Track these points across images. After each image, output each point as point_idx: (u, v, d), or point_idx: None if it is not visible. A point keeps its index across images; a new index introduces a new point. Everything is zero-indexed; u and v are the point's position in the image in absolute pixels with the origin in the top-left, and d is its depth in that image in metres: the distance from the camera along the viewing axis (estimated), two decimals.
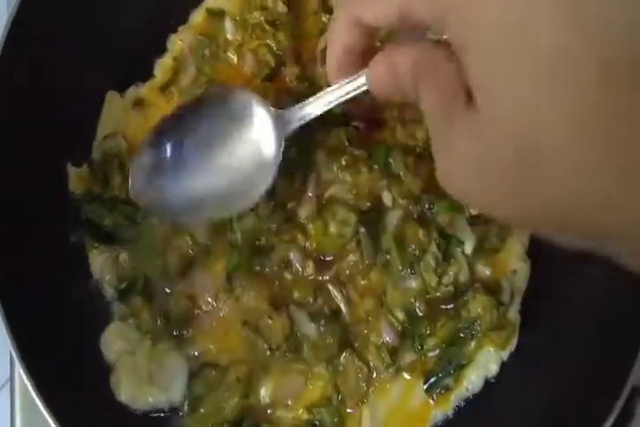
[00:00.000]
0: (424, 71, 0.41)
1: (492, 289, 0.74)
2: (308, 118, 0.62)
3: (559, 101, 0.34)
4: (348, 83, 0.54)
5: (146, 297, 0.73)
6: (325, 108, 0.60)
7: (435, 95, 0.40)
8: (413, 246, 0.73)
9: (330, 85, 0.57)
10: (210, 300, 0.73)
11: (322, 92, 0.59)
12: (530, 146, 0.35)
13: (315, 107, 0.60)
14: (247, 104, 0.65)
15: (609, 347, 0.69)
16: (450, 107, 0.39)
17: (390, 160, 0.74)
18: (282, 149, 0.65)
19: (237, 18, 0.80)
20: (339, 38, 0.49)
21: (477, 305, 0.72)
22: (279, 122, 0.64)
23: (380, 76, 0.45)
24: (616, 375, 0.65)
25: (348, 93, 0.55)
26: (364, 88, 0.52)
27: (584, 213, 0.36)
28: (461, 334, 0.73)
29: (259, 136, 0.65)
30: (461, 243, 0.74)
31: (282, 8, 0.79)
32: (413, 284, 0.73)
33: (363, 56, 0.50)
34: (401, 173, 0.73)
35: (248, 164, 0.65)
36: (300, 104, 0.62)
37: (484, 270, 0.75)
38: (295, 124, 0.63)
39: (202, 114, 0.66)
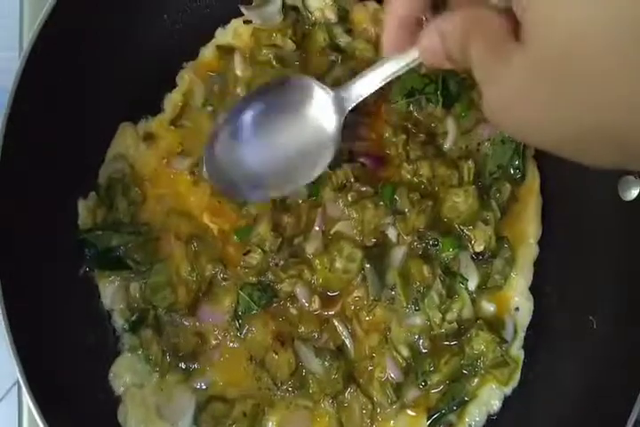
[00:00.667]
0: (471, 26, 0.44)
1: (495, 326, 0.75)
2: (365, 95, 0.64)
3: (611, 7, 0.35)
4: (400, 57, 0.55)
5: (155, 330, 0.74)
6: (380, 84, 0.61)
7: (484, 41, 0.43)
8: (418, 283, 0.74)
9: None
10: (218, 335, 0.74)
11: (376, 66, 0.60)
12: (580, 58, 0.37)
13: (370, 84, 0.61)
14: (306, 87, 0.68)
15: (610, 384, 0.69)
16: (499, 48, 0.42)
17: (396, 197, 0.76)
18: (341, 127, 0.67)
19: (247, 55, 0.82)
20: (395, 11, 0.51)
21: (480, 342, 0.73)
22: (338, 101, 0.65)
23: (432, 44, 0.47)
24: (616, 414, 0.65)
25: (401, 68, 0.56)
26: (417, 62, 0.54)
27: (630, 120, 0.37)
28: (464, 371, 0.74)
29: (319, 115, 0.67)
30: (465, 280, 0.75)
31: (291, 46, 0.81)
32: (417, 320, 0.74)
33: (415, 32, 0.51)
34: (406, 210, 0.75)
35: (310, 142, 0.69)
36: (356, 81, 0.63)
37: (488, 307, 0.77)
38: (353, 103, 0.65)
39: (267, 98, 0.70)
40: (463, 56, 0.45)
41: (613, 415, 0.64)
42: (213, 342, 0.74)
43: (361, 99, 0.64)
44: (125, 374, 0.74)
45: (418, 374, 0.73)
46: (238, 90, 0.80)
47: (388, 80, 0.59)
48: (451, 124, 0.79)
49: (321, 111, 0.67)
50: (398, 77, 0.60)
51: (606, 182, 0.70)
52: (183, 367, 0.74)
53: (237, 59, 0.81)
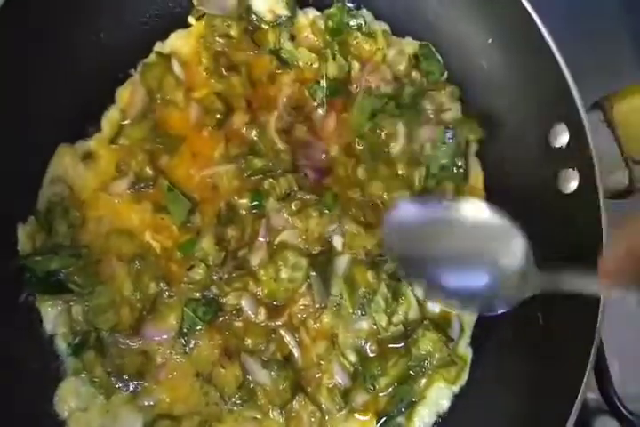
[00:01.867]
0: None
1: (442, 325, 0.75)
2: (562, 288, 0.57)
3: None
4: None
5: (98, 351, 0.72)
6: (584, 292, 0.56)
7: None
8: (363, 289, 0.74)
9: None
10: (164, 353, 0.73)
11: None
12: None
13: (579, 284, 0.56)
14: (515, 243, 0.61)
15: (556, 379, 0.69)
16: None
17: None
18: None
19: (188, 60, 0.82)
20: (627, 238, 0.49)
21: (427, 342, 0.73)
22: (531, 277, 0.59)
23: None
24: (560, 411, 0.65)
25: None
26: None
27: None
28: (412, 372, 0.74)
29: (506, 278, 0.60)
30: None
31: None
32: (364, 325, 0.74)
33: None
34: (354, 230, 0.75)
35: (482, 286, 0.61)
36: (566, 274, 0.58)
37: (433, 307, 0.77)
38: (540, 289, 0.59)
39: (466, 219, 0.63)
40: None
41: (557, 412, 0.65)
42: (159, 361, 0.73)
43: (552, 289, 0.58)
44: (70, 398, 0.72)
45: (366, 378, 0.72)
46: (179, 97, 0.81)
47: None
48: (401, 129, 0.80)
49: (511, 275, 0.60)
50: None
51: (546, 177, 0.71)
52: (129, 388, 0.72)
53: (175, 62, 0.82)
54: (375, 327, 0.74)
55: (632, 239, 0.48)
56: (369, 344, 0.74)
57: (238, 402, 0.71)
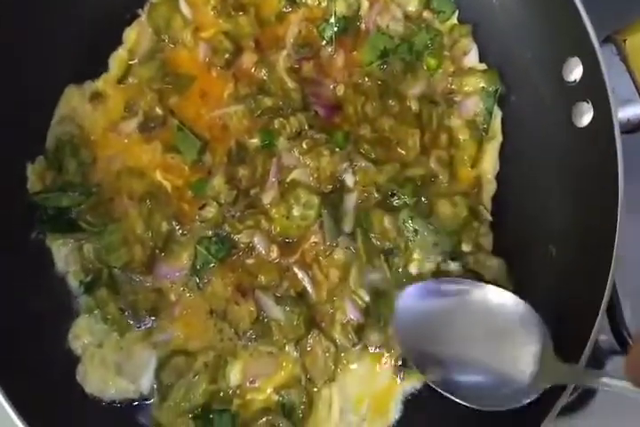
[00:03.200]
0: None
1: None
2: (579, 385, 0.58)
3: None
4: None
5: (111, 289, 0.72)
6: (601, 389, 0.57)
7: None
8: (378, 235, 0.73)
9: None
10: (177, 291, 0.73)
11: (611, 379, 0.55)
12: None
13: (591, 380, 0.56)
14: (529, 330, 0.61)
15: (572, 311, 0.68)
16: None
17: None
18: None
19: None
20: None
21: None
22: (552, 372, 0.58)
23: None
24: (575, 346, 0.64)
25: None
26: None
27: None
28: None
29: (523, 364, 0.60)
30: None
31: None
32: (377, 276, 0.73)
33: None
34: (363, 164, 0.74)
35: (499, 380, 0.61)
36: (586, 372, 0.58)
37: None
38: (558, 382, 0.58)
39: (482, 306, 0.64)
40: None
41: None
42: (173, 298, 0.73)
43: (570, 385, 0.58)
44: (84, 334, 0.72)
45: (379, 317, 0.71)
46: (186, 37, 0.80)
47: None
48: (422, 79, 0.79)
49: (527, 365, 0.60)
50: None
51: (561, 111, 0.70)
52: (143, 325, 0.72)
53: (182, 2, 0.80)
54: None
55: None
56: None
57: (253, 337, 0.71)
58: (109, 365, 0.71)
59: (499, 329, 0.62)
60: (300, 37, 0.80)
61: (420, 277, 0.72)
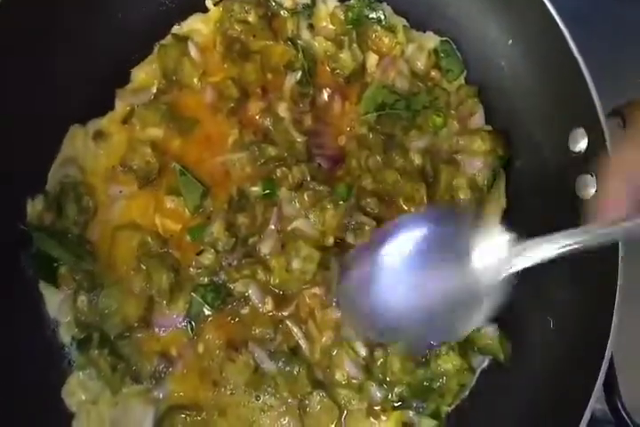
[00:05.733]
0: None
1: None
2: (545, 258, 0.54)
3: None
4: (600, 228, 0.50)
5: (105, 347, 0.71)
6: (560, 251, 0.52)
7: None
8: None
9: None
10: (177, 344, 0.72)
11: (565, 232, 0.53)
12: None
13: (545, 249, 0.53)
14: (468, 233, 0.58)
15: (566, 388, 0.68)
16: None
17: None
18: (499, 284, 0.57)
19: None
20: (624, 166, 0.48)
21: (449, 363, 0.71)
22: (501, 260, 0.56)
23: None
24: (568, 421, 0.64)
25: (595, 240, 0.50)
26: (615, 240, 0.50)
27: None
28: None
29: (475, 265, 0.57)
30: None
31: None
32: None
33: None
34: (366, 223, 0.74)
35: (458, 292, 0.59)
36: (532, 242, 0.55)
37: None
38: (524, 263, 0.55)
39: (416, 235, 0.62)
40: None
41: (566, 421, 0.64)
42: (174, 354, 0.72)
43: (535, 262, 0.55)
44: (78, 391, 0.71)
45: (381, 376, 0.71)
46: (195, 80, 0.80)
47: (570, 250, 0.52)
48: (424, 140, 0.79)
49: (479, 261, 0.57)
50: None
51: (565, 182, 0.70)
52: (142, 386, 0.72)
53: (192, 45, 0.81)
54: None
55: (631, 167, 0.46)
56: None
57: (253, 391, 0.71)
58: (105, 420, 0.70)
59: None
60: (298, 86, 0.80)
61: None
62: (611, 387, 0.72)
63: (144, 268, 0.73)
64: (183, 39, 0.82)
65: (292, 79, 0.81)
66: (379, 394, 0.71)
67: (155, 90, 0.80)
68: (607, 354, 0.61)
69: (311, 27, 0.85)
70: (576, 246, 0.52)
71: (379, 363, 0.71)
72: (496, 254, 0.57)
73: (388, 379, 0.71)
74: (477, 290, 0.58)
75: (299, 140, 0.77)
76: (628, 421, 0.73)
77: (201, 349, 0.72)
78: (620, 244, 0.63)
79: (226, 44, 0.81)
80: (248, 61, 0.81)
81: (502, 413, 0.72)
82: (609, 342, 0.62)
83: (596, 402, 0.64)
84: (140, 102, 0.79)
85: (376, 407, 0.71)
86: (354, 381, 0.71)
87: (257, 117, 0.79)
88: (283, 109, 0.78)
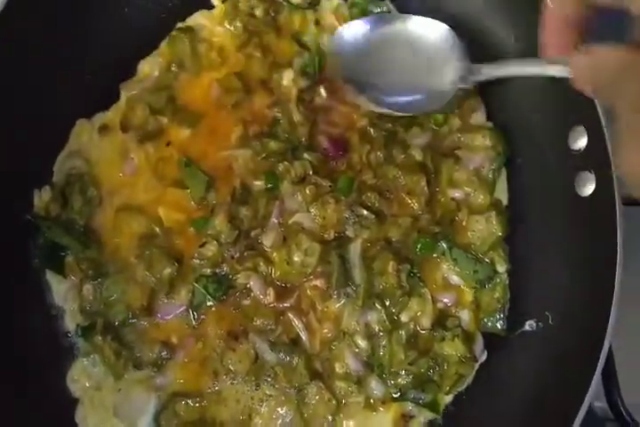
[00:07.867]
0: (628, 73, 0.42)
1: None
2: (497, 76, 0.69)
3: None
4: (552, 63, 0.57)
5: (109, 334, 0.72)
6: (520, 74, 0.66)
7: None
8: (380, 279, 0.73)
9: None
10: (179, 332, 0.73)
11: (528, 59, 0.63)
12: None
13: (510, 70, 0.67)
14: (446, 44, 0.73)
15: (564, 383, 0.68)
16: None
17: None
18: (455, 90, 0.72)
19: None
20: (555, 10, 0.51)
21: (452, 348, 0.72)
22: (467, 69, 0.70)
23: (580, 68, 0.47)
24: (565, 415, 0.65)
25: (546, 71, 0.59)
26: (564, 75, 0.54)
27: None
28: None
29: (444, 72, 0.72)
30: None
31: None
32: (371, 317, 0.73)
33: (573, 35, 0.51)
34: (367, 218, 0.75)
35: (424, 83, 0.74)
36: (498, 62, 0.69)
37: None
38: (482, 77, 0.70)
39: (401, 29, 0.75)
40: (610, 96, 0.43)
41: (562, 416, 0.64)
42: (175, 342, 0.73)
43: (487, 78, 0.70)
44: (82, 378, 0.72)
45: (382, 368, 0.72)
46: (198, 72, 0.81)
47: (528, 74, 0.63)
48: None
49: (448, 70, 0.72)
50: None
51: (565, 180, 0.71)
52: (144, 373, 0.73)
53: (197, 40, 0.81)
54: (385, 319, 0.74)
55: None
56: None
57: (253, 380, 0.72)
58: (108, 406, 0.71)
59: (425, 53, 0.74)
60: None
61: None
62: (610, 384, 0.73)
63: (147, 254, 0.74)
64: (190, 34, 0.82)
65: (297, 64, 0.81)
66: (378, 387, 0.72)
67: (157, 73, 0.81)
68: (605, 349, 0.62)
69: (317, 23, 0.85)
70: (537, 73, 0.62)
71: (381, 353, 0.72)
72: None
73: (391, 369, 0.72)
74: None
75: (299, 120, 0.77)
76: (628, 418, 0.74)
77: (202, 338, 0.73)
78: (619, 244, 0.64)
79: (232, 39, 0.82)
80: (253, 56, 0.81)
81: (499, 409, 0.73)
82: (606, 337, 0.62)
83: (595, 399, 0.65)
84: (144, 88, 0.79)
85: (374, 400, 0.72)
86: (353, 373, 0.72)
87: (263, 111, 0.79)
88: (288, 79, 0.79)
